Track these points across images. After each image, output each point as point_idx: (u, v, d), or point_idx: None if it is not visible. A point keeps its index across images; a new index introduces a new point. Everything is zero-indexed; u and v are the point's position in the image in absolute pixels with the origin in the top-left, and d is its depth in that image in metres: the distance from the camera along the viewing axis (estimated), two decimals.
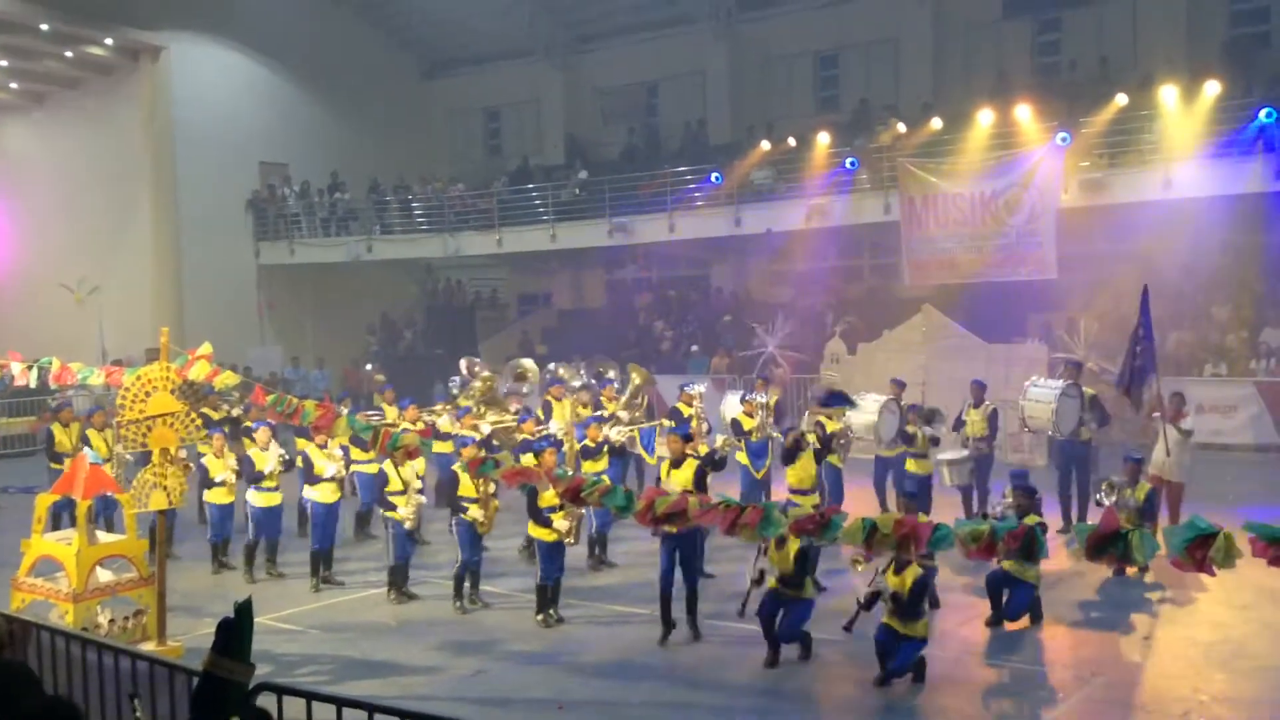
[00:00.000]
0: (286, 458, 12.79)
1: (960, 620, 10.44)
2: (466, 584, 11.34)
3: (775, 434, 14.68)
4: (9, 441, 23.90)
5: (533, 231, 26.93)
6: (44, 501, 10.15)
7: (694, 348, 25.55)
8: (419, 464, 11.65)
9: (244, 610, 4.16)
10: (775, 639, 9.36)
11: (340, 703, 4.85)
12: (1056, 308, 21.22)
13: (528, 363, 16.93)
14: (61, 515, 12.34)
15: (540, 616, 10.73)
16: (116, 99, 28.51)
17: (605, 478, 8.92)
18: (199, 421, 10.17)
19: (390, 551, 11.68)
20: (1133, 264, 19.74)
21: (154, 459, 9.59)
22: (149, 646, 9.02)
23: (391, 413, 15.57)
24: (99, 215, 28.43)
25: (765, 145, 24.47)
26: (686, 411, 14.91)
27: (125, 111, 28.22)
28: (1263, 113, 18.43)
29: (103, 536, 10.33)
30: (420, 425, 14.25)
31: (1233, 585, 10.49)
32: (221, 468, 12.86)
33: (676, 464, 10.57)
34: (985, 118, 21.23)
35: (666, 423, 15.29)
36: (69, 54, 27.52)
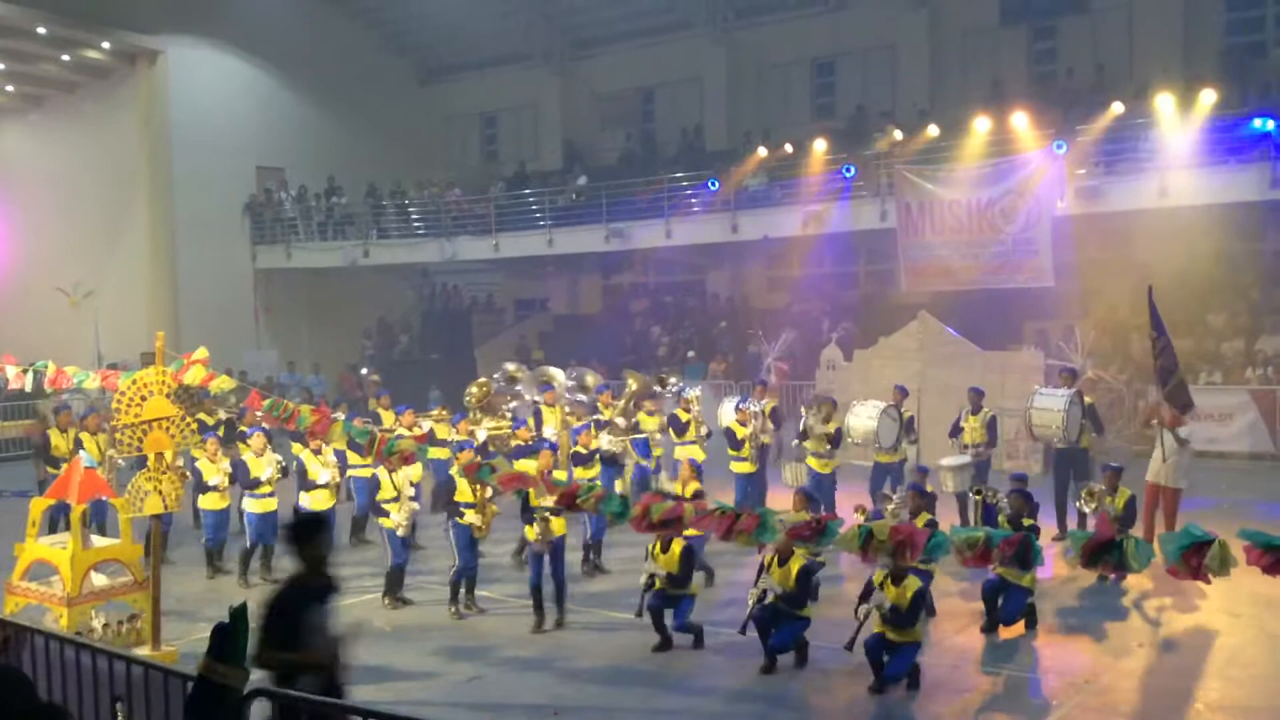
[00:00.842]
0: (283, 464, 12.76)
1: (955, 628, 10.44)
2: (462, 589, 11.34)
3: (768, 439, 14.85)
4: (3, 445, 23.75)
5: (529, 237, 26.97)
6: (38, 506, 10.13)
7: (690, 353, 25.57)
8: (414, 470, 11.63)
9: (239, 615, 4.16)
10: (772, 648, 9.33)
11: (335, 708, 4.84)
12: (1053, 315, 21.26)
13: (511, 366, 16.92)
14: (58, 520, 12.31)
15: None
16: (113, 103, 28.52)
17: (598, 484, 8.89)
18: (194, 426, 10.14)
19: (387, 557, 11.67)
20: (1129, 272, 19.79)
21: (149, 464, 9.57)
22: (143, 651, 9.01)
23: (388, 418, 15.55)
24: (95, 218, 28.41)
25: (762, 151, 24.54)
26: (685, 417, 14.95)
27: (122, 115, 28.22)
28: (1258, 121, 18.51)
29: (97, 541, 10.29)
30: (416, 430, 14.23)
31: (1228, 593, 10.52)
32: (215, 472, 12.82)
33: (665, 546, 9.92)
34: (982, 125, 21.30)
35: (656, 435, 15.32)
36: (66, 57, 27.55)
